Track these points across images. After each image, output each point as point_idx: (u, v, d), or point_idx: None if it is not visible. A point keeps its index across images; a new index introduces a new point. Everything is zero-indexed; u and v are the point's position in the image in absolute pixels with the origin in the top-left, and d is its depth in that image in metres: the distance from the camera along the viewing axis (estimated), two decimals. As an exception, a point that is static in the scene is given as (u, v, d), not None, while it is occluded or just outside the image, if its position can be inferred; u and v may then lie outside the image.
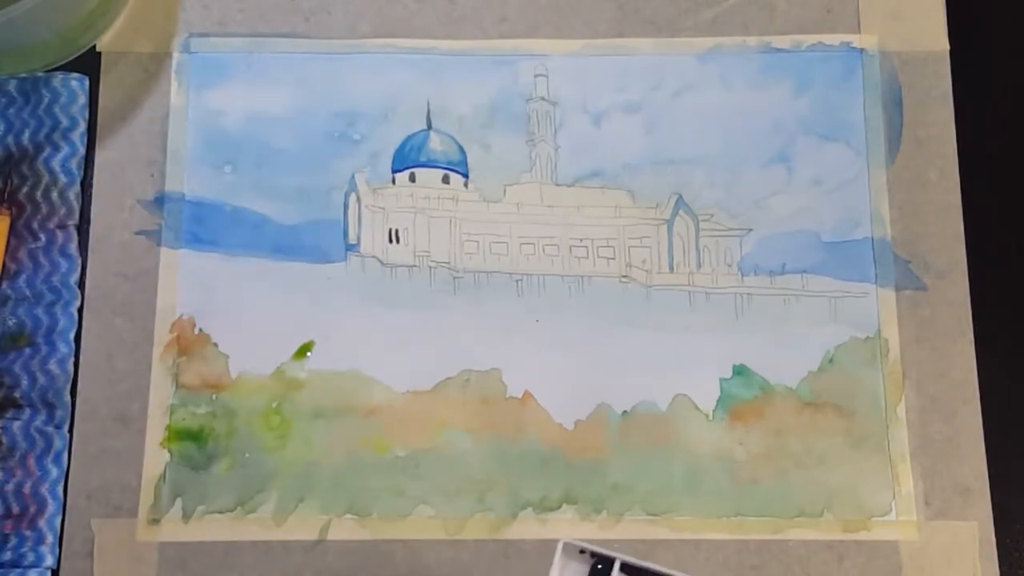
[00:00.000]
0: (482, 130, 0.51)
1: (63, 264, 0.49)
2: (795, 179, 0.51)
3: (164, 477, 0.47)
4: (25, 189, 0.50)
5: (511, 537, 0.47)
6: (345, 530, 0.47)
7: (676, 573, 0.39)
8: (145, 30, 0.52)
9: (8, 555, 0.46)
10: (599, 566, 0.40)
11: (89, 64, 0.51)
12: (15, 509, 0.46)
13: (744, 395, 0.48)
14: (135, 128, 0.51)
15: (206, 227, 0.50)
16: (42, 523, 0.46)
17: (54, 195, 0.50)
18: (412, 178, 0.51)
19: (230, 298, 0.49)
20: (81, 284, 0.49)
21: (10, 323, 0.48)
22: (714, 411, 0.48)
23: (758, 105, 0.51)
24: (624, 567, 0.40)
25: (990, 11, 0.52)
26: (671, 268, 0.50)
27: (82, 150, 0.50)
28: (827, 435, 0.48)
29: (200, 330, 0.49)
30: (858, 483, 0.47)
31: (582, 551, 0.41)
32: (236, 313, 0.49)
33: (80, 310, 0.49)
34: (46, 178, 0.50)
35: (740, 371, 0.49)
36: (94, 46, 0.52)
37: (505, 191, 0.51)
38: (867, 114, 0.51)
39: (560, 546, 0.40)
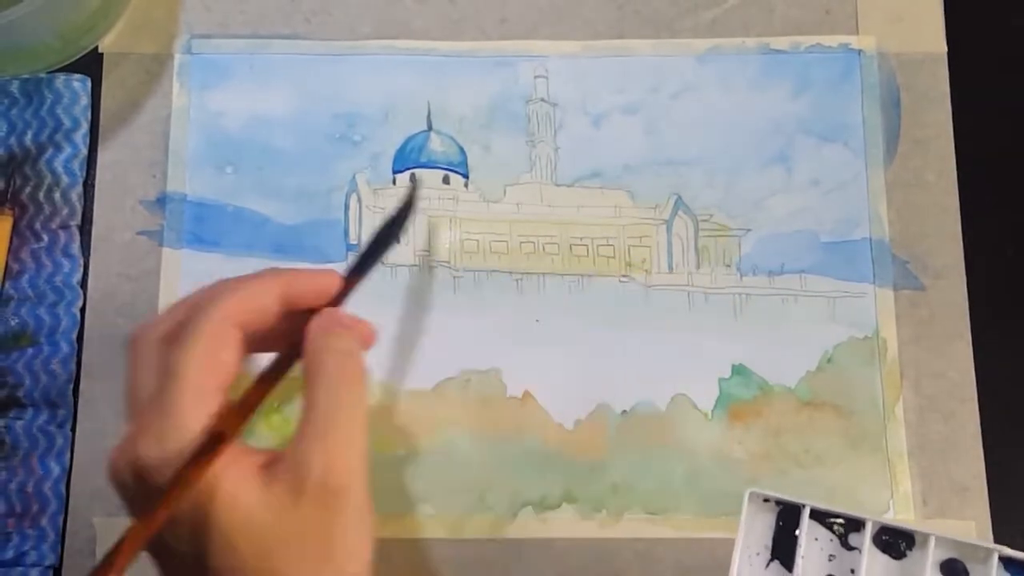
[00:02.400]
0: (482, 131, 0.51)
1: (65, 264, 0.49)
2: (794, 180, 0.51)
3: (166, 476, 0.48)
4: (28, 190, 0.50)
5: (511, 536, 0.47)
6: (346, 529, 0.47)
7: (860, 514, 0.39)
8: (147, 31, 0.52)
9: (11, 553, 0.46)
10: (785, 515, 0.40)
11: (91, 65, 0.52)
12: (18, 507, 0.47)
13: (743, 395, 0.49)
14: (137, 129, 0.51)
15: (208, 227, 0.50)
16: (44, 521, 0.47)
17: (56, 196, 0.50)
18: (413, 179, 0.51)
19: (231, 298, 0.49)
20: (83, 284, 0.49)
21: (13, 323, 0.49)
22: (713, 411, 0.48)
23: (757, 106, 0.52)
24: (814, 513, 0.40)
25: (988, 13, 0.53)
26: (670, 268, 0.50)
27: (84, 151, 0.51)
28: (825, 435, 0.48)
29: (201, 330, 0.49)
30: (856, 482, 0.47)
31: (766, 499, 0.41)
32: (237, 313, 0.49)
33: (82, 310, 0.49)
34: (48, 179, 0.50)
35: (739, 371, 0.49)
36: (96, 47, 0.52)
37: (505, 191, 0.51)
38: (865, 115, 0.51)
39: (746, 496, 0.40)
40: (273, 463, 0.34)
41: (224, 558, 0.33)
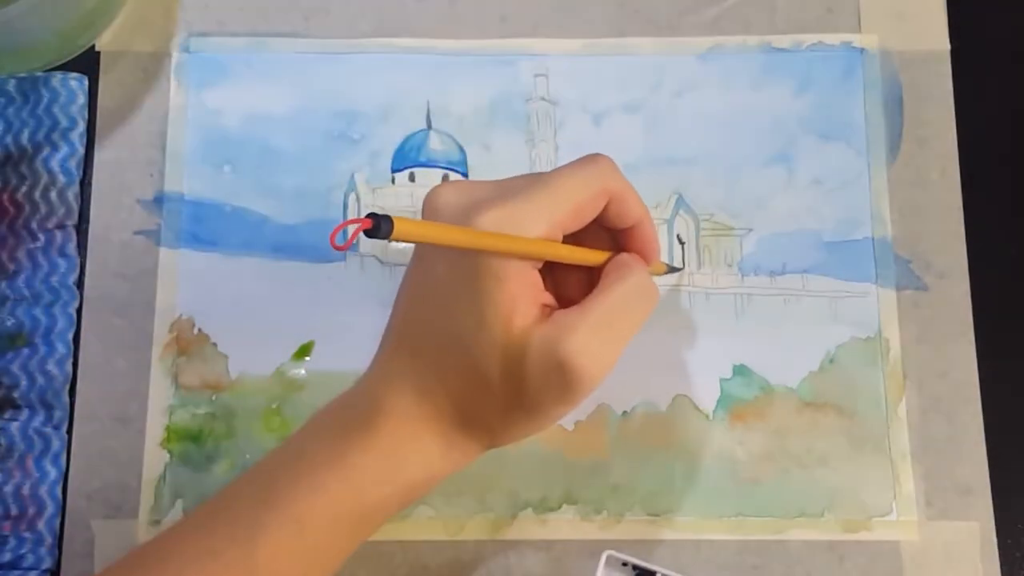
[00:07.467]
0: (482, 130, 0.51)
1: (62, 264, 0.49)
2: (795, 179, 0.51)
3: (164, 478, 0.47)
4: (24, 189, 0.50)
5: (511, 537, 0.47)
6: (345, 531, 0.47)
7: None
8: (144, 30, 0.52)
9: (7, 556, 0.46)
10: None
11: (88, 64, 0.51)
12: (14, 510, 0.46)
13: (744, 395, 0.48)
14: (134, 128, 0.51)
15: (205, 227, 0.50)
16: (41, 524, 0.46)
17: (53, 195, 0.49)
18: (412, 178, 0.51)
19: (230, 298, 0.49)
20: (80, 284, 0.49)
21: (8, 323, 0.48)
22: (714, 411, 0.48)
23: (758, 105, 0.51)
24: None
25: (991, 10, 0.52)
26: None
27: (81, 150, 0.50)
28: (828, 435, 0.48)
29: (199, 330, 0.49)
30: (859, 483, 0.47)
31: (624, 563, 0.41)
32: (236, 313, 0.49)
33: (79, 310, 0.49)
34: (45, 178, 0.50)
35: (740, 371, 0.49)
36: (93, 45, 0.51)
37: (505, 191, 0.50)
38: (868, 114, 0.51)
39: (603, 558, 0.41)
40: (550, 311, 0.38)
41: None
